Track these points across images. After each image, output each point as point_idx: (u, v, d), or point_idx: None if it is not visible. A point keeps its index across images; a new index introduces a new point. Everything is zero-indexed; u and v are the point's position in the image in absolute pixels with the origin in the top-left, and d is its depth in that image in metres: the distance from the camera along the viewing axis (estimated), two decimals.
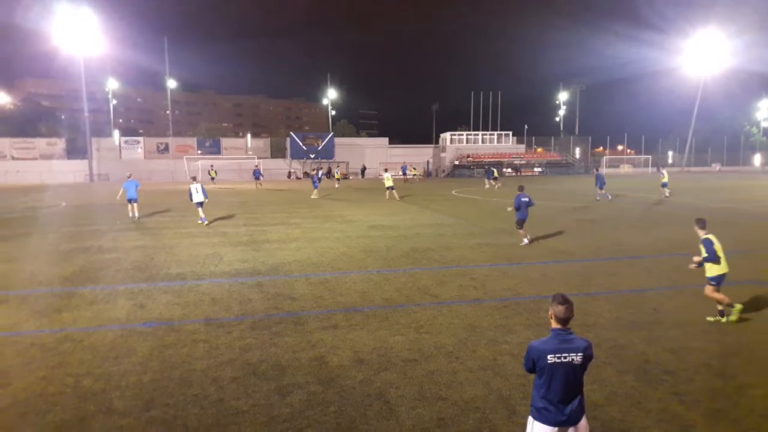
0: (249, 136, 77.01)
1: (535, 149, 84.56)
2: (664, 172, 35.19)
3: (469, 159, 75.11)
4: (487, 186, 44.50)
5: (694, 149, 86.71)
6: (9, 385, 6.75)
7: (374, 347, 7.89)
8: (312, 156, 70.53)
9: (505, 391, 6.49)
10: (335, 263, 13.86)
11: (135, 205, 23.56)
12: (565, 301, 4.16)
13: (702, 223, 9.13)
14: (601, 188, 31.13)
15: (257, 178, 47.16)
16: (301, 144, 70.55)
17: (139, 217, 23.39)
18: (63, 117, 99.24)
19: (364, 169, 70.63)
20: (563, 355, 4.10)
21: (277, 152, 73.71)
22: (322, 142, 71.47)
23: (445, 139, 79.88)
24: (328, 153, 71.20)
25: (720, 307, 8.95)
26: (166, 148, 68.78)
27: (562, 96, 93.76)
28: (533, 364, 4.19)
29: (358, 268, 13.31)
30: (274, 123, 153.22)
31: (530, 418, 4.29)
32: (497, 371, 7.04)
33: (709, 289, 8.94)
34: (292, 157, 70.81)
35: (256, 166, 51.22)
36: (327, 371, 7.11)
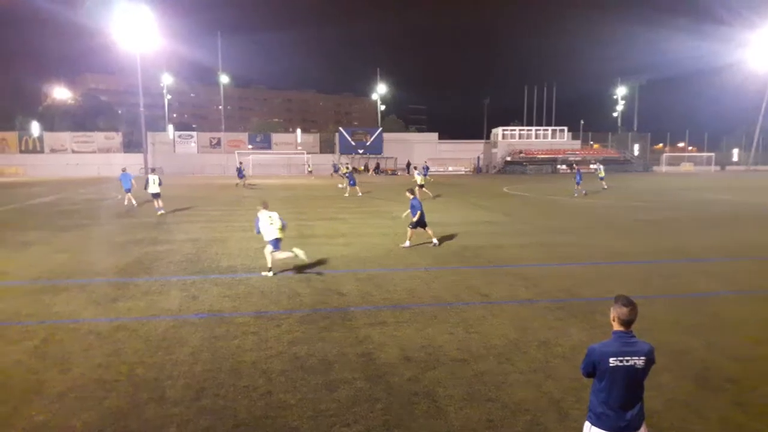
0: (299, 131, 77.90)
1: (591, 145, 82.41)
2: (601, 167, 39.84)
3: (521, 155, 73.82)
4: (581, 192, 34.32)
5: (762, 147, 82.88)
6: (69, 371, 6.97)
7: (422, 345, 7.80)
8: (360, 151, 70.82)
9: (557, 394, 6.30)
10: (382, 260, 13.82)
11: (158, 199, 24.04)
12: (629, 302, 3.99)
13: None
14: (578, 184, 34.20)
15: (240, 177, 44.07)
16: (349, 139, 70.94)
17: (162, 212, 23.68)
18: (120, 112, 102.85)
19: (408, 165, 70.46)
20: (626, 358, 3.93)
21: (326, 147, 74.36)
22: (371, 137, 71.66)
23: (497, 134, 78.63)
24: (376, 148, 71.34)
25: None
26: (219, 143, 70.31)
27: (621, 91, 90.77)
28: (593, 367, 4.03)
29: (405, 265, 13.23)
30: (323, 118, 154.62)
31: (587, 423, 4.13)
32: (549, 374, 6.85)
33: None
34: (341, 152, 71.25)
35: (241, 163, 48.81)
36: (374, 368, 7.06)
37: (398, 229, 18.77)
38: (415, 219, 15.33)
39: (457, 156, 74.62)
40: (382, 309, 9.58)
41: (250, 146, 70.18)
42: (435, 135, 79.35)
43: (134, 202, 26.10)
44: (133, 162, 63.63)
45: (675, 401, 6.13)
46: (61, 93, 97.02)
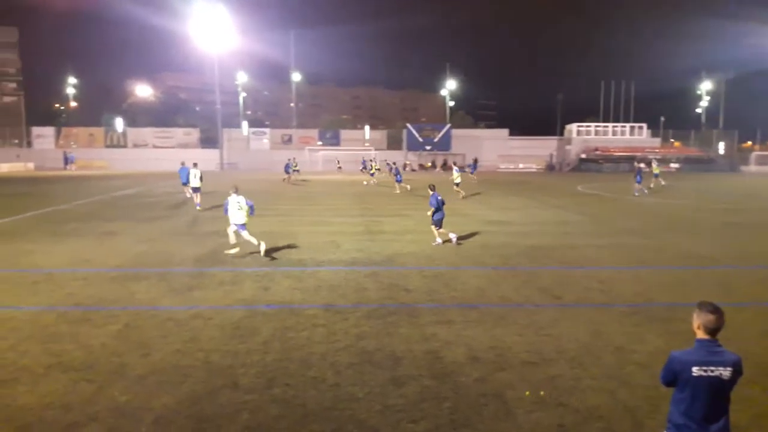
0: (367, 127, 78.50)
1: (672, 143, 78.59)
2: (655, 163, 38.60)
3: (597, 152, 71.31)
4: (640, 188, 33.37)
5: None
6: (149, 355, 7.31)
7: (490, 346, 7.69)
8: (428, 148, 70.57)
9: (631, 402, 6.06)
10: (450, 257, 13.73)
11: (198, 194, 23.99)
12: (715, 309, 3.77)
13: None
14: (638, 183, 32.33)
15: (287, 173, 43.13)
16: (417, 136, 70.86)
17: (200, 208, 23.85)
18: (198, 109, 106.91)
19: (475, 162, 69.66)
20: (710, 368, 3.72)
21: (393, 144, 74.57)
22: (439, 133, 71.30)
23: (571, 130, 76.30)
24: (444, 145, 70.91)
25: None
26: (290, 139, 71.89)
27: (705, 86, 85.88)
28: (674, 376, 3.84)
29: (473, 263, 13.08)
30: (391, 114, 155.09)
31: None
32: (623, 381, 6.60)
33: None
34: (409, 149, 71.29)
35: (290, 159, 46.87)
36: (441, 366, 7.02)
37: (466, 227, 18.60)
38: (428, 214, 15.46)
39: (529, 153, 72.88)
40: (450, 307, 9.51)
41: (319, 142, 71.35)
42: (505, 131, 77.92)
43: (188, 194, 26.81)
44: (209, 157, 66.01)
45: (764, 416, 5.78)
46: (143, 91, 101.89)
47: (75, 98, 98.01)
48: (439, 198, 15.21)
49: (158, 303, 9.72)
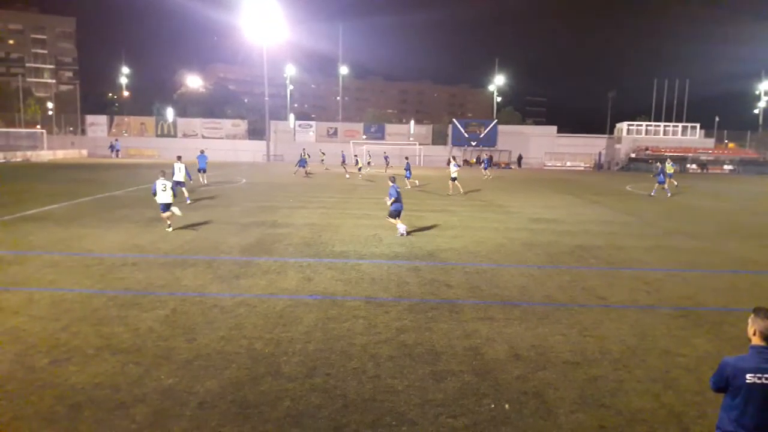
0: (412, 122, 78.30)
1: (726, 144, 75.73)
2: (670, 163, 36.25)
3: (647, 152, 69.32)
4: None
5: None
6: (195, 340, 7.51)
7: (532, 344, 7.59)
8: (473, 143, 69.95)
9: (677, 406, 5.90)
10: (493, 254, 13.60)
11: (184, 188, 23.70)
12: None
13: None
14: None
15: (301, 166, 41.32)
16: (463, 131, 70.27)
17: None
18: (246, 100, 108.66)
19: (520, 159, 68.58)
20: (766, 375, 3.59)
21: (438, 139, 74.17)
22: (485, 129, 70.54)
23: (621, 129, 74.36)
24: (490, 141, 70.10)
25: None
26: (335, 133, 72.34)
27: (764, 87, 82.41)
28: (726, 382, 3.72)
29: (517, 261, 12.93)
30: (437, 110, 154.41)
31: None
32: (669, 384, 6.42)
33: None
34: (453, 144, 70.75)
35: (302, 150, 44.67)
36: (482, 362, 6.98)
37: (510, 224, 18.39)
38: (387, 203, 16.13)
39: (577, 151, 71.36)
40: (491, 304, 9.43)
41: (364, 136, 71.57)
42: (553, 128, 76.46)
43: (205, 180, 30.12)
44: (256, 149, 67.08)
45: None
46: (193, 82, 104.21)
47: (128, 88, 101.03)
48: (398, 189, 16.06)
49: (205, 290, 9.96)
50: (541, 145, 71.30)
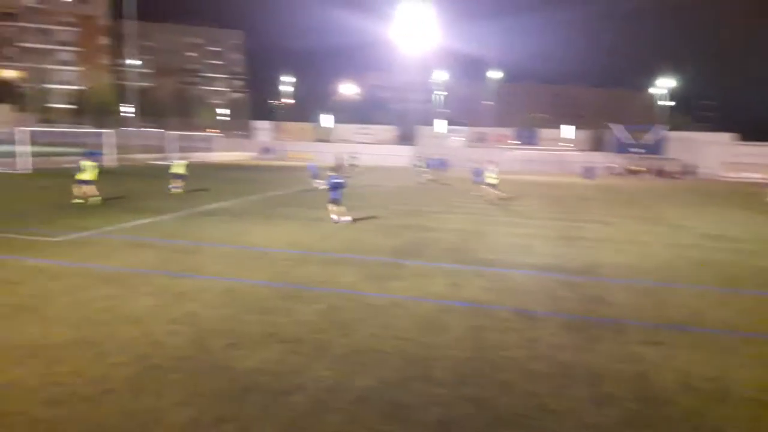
0: (568, 127, 75.19)
1: None
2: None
3: None
4: None
5: None
6: (348, 336, 7.75)
7: (709, 376, 6.84)
8: (636, 151, 65.46)
9: None
10: (660, 272, 12.54)
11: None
12: None
13: None
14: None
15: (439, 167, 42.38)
16: (623, 137, 66.08)
17: None
18: (396, 106, 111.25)
19: (689, 168, 62.73)
20: None
21: (597, 145, 70.44)
22: (650, 135, 65.71)
23: None
24: (656, 148, 65.11)
25: None
26: (484, 138, 71.61)
27: None
28: None
29: (689, 281, 11.79)
30: (595, 114, 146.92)
31: None
32: None
33: None
34: (614, 151, 66.81)
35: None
36: (648, 390, 6.43)
37: (681, 239, 16.89)
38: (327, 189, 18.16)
39: (761, 161, 63.80)
40: (659, 327, 8.67)
41: (515, 141, 70.06)
42: (729, 135, 69.32)
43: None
44: (404, 153, 68.39)
45: None
46: (348, 89, 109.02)
47: (290, 96, 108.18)
48: (338, 181, 17.66)
49: (358, 288, 10.27)
50: (716, 153, 64.72)
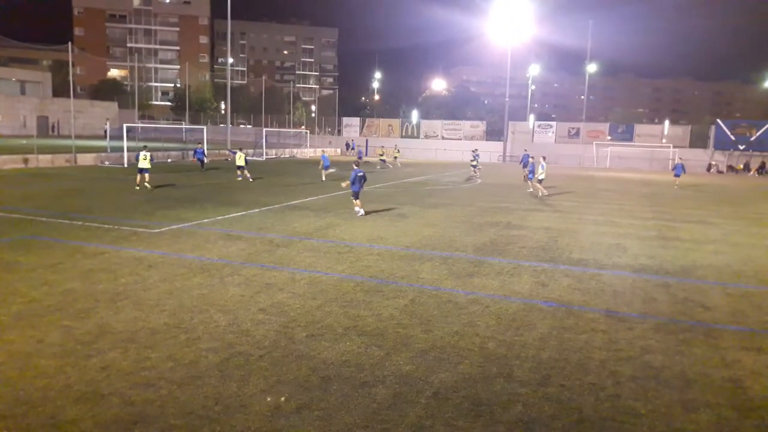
0: (667, 122, 71.33)
1: None
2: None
3: None
4: None
5: None
6: (430, 331, 7.81)
7: None
8: (741, 147, 61.09)
9: None
10: (763, 276, 11.72)
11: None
12: None
13: None
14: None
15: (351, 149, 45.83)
16: (728, 133, 61.80)
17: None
18: (487, 101, 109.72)
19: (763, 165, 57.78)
20: None
21: (698, 142, 66.40)
22: (757, 131, 61.13)
23: None
24: (763, 144, 60.53)
25: None
26: (577, 133, 69.23)
27: None
28: None
29: None
30: (697, 109, 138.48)
31: None
32: None
33: None
34: (716, 148, 62.69)
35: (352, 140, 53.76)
36: (744, 398, 6.07)
37: None
38: (344, 185, 19.26)
39: None
40: (759, 333, 8.14)
41: (609, 137, 67.28)
42: None
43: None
44: (493, 149, 67.40)
45: None
46: (437, 85, 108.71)
47: (379, 92, 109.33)
48: (360, 174, 17.77)
49: (440, 284, 10.30)
50: None
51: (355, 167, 18.25)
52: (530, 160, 30.06)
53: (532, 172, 27.61)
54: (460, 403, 5.77)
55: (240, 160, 29.26)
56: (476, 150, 43.08)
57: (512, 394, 6.00)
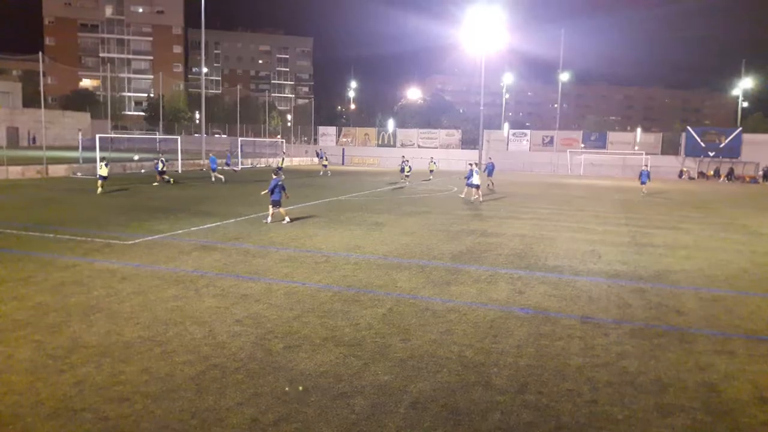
0: (639, 130, 72.68)
1: None
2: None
3: None
4: None
5: None
6: (408, 341, 7.79)
7: None
8: (711, 154, 62.47)
9: None
10: (734, 280, 11.95)
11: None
12: None
13: None
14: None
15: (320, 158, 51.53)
16: (698, 140, 63.18)
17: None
18: (462, 110, 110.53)
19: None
20: None
21: (669, 149, 67.71)
22: (726, 138, 62.61)
23: None
24: (732, 151, 61.95)
25: None
26: (551, 141, 70.10)
27: None
28: None
29: (763, 289, 11.21)
30: (667, 116, 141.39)
31: None
32: None
33: None
34: (687, 155, 64.00)
35: (321, 148, 60.13)
36: (718, 402, 6.15)
37: (757, 247, 16.05)
38: (263, 193, 19.91)
39: None
40: (731, 337, 8.28)
41: (582, 145, 68.25)
42: None
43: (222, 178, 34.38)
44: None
45: None
46: (412, 94, 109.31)
47: (355, 101, 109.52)
48: (279, 183, 18.15)
49: (418, 293, 10.30)
50: None
51: (274, 176, 18.60)
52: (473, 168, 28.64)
53: (469, 178, 27.76)
54: (438, 413, 5.75)
55: (102, 170, 26.02)
56: (404, 156, 46.35)
57: (490, 402, 6.00)
